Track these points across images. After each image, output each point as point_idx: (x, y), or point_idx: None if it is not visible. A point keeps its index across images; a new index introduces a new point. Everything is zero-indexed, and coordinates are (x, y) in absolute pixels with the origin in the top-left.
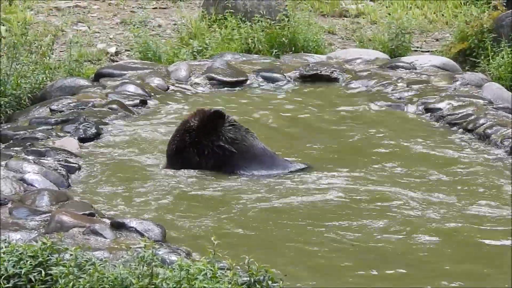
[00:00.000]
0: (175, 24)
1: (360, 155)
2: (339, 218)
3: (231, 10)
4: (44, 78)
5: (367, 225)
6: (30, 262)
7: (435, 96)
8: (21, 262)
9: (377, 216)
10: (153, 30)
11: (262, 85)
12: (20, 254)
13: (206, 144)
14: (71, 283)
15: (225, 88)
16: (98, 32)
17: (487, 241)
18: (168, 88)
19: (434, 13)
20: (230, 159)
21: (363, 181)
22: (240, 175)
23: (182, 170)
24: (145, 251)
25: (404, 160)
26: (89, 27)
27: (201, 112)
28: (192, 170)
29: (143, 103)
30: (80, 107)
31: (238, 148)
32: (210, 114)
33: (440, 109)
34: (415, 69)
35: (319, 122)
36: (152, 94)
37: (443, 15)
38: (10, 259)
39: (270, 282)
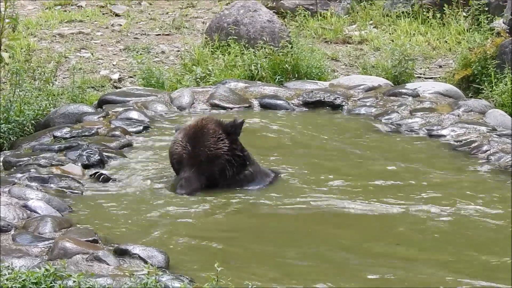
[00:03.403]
0: (178, 51)
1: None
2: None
3: (234, 37)
4: (48, 104)
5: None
6: None
7: (439, 123)
8: None
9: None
10: (156, 57)
11: (265, 112)
12: (23, 280)
13: (237, 154)
14: None
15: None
16: (102, 59)
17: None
18: (171, 115)
19: (437, 39)
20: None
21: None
22: (249, 193)
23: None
24: (148, 278)
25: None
26: (92, 54)
27: (223, 124)
28: (196, 194)
29: (146, 129)
30: (83, 134)
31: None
32: (240, 123)
33: (443, 135)
34: (419, 95)
35: (319, 147)
36: (156, 120)
37: (446, 41)
38: (13, 285)
39: None
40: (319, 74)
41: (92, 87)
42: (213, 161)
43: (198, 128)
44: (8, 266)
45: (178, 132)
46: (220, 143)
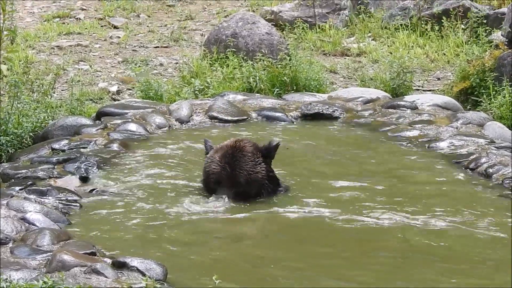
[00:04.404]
0: (176, 63)
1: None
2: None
3: (233, 49)
4: (46, 117)
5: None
6: None
7: (437, 135)
8: None
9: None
10: (154, 69)
11: (264, 124)
12: None
13: (271, 176)
14: None
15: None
16: (100, 71)
17: None
18: (169, 127)
19: (436, 52)
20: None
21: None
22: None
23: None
24: None
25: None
26: (90, 66)
27: (256, 144)
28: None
29: (145, 141)
30: (81, 146)
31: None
32: (275, 145)
33: (441, 148)
34: (417, 108)
35: (317, 158)
36: (154, 132)
37: (444, 54)
38: None
39: None
40: (317, 86)
41: (91, 100)
42: (251, 184)
43: (236, 149)
44: (6, 278)
45: (214, 151)
46: (258, 167)
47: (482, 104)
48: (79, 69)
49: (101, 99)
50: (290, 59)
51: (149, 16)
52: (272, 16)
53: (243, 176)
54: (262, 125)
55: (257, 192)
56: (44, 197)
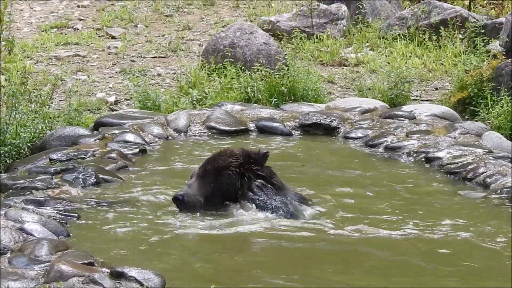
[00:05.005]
0: (174, 73)
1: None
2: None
3: (231, 59)
4: (44, 127)
5: None
6: None
7: (435, 145)
8: None
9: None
10: (152, 79)
11: (261, 134)
12: None
13: (248, 177)
14: None
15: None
16: (98, 81)
17: None
18: (167, 138)
19: (434, 62)
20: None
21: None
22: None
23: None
24: None
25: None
26: (88, 76)
27: (245, 150)
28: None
29: (143, 152)
30: (79, 156)
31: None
32: (262, 154)
33: (439, 158)
34: (415, 118)
35: (312, 167)
36: (152, 143)
37: (442, 64)
38: None
39: None
40: (315, 96)
41: (88, 110)
42: (220, 173)
43: (223, 149)
44: None
45: None
46: (232, 159)
47: (480, 114)
48: (77, 79)
49: (99, 109)
50: (287, 69)
51: (146, 26)
52: (270, 26)
53: (206, 164)
54: (261, 140)
55: (229, 184)
56: (42, 207)
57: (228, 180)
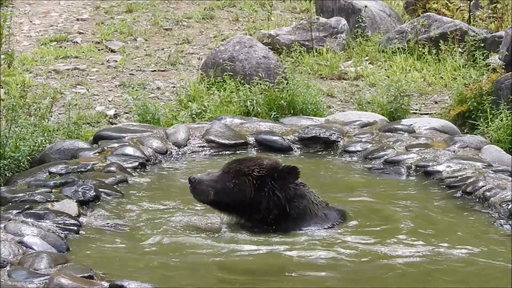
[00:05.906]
0: (174, 87)
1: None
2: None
3: (230, 73)
4: (43, 140)
5: None
6: None
7: (434, 159)
8: None
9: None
10: (152, 93)
11: (261, 148)
12: None
13: (268, 188)
14: None
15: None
16: (97, 95)
17: None
18: (166, 151)
19: (433, 75)
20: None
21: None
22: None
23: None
24: None
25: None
26: (88, 90)
27: (276, 163)
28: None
29: (142, 166)
30: (79, 170)
31: (292, 207)
32: (289, 168)
33: (439, 171)
34: (414, 131)
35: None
36: (151, 156)
37: (442, 77)
38: None
39: None
40: (314, 110)
41: (88, 123)
42: (237, 176)
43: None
44: None
45: None
46: (254, 165)
47: (480, 127)
48: (76, 92)
49: (98, 122)
50: (287, 83)
51: (146, 40)
52: (269, 39)
53: (236, 164)
54: (257, 151)
55: (240, 191)
56: (42, 220)
57: (242, 187)
